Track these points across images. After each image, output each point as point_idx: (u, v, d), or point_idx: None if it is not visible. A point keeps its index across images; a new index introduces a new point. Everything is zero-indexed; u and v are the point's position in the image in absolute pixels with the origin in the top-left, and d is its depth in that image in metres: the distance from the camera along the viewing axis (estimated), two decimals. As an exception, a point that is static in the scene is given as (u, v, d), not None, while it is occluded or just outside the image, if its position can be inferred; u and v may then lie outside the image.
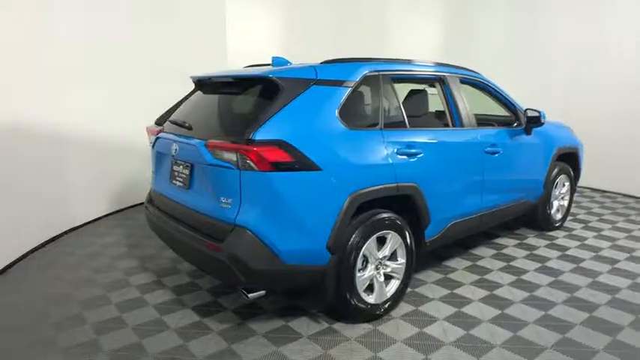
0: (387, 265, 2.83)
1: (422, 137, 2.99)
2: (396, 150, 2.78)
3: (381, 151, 2.71)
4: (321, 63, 2.82)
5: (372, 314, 2.77)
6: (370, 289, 2.78)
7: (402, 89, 3.49)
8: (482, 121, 4.11)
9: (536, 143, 4.00)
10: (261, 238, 2.33)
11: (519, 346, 2.52)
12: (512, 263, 3.70)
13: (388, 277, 2.89)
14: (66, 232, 4.32)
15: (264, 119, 2.35)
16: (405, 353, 2.47)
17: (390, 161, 2.73)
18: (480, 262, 3.71)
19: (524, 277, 3.44)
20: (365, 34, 7.11)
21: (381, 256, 2.79)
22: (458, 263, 3.70)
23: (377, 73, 2.90)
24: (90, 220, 4.68)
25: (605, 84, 6.05)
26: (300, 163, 2.34)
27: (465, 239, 4.16)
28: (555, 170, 4.31)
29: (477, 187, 3.41)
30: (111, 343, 2.55)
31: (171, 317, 2.84)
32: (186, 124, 2.78)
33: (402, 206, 2.92)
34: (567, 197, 4.63)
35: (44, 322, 2.76)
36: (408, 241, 2.90)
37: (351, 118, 2.68)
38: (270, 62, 2.96)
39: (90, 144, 4.47)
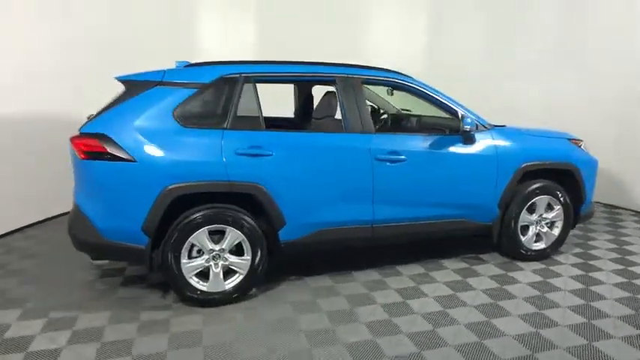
0: (226, 258, 2.98)
1: (275, 139, 3.00)
2: (235, 150, 2.89)
3: (214, 149, 2.86)
4: (185, 66, 3.11)
5: (205, 301, 2.95)
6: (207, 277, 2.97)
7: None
8: (427, 126, 3.76)
9: (479, 154, 3.44)
10: (85, 215, 2.80)
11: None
12: (421, 286, 3.31)
13: (234, 271, 3.02)
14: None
15: (97, 115, 2.81)
16: (193, 337, 2.63)
17: (224, 160, 2.86)
18: (389, 279, 3.42)
19: (409, 301, 3.09)
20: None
21: (217, 249, 2.94)
22: (366, 276, 3.49)
23: (237, 75, 3.03)
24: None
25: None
26: (114, 154, 2.71)
27: (399, 253, 3.85)
28: (529, 189, 3.61)
29: (362, 196, 3.18)
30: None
31: (83, 273, 3.54)
32: (89, 117, 3.39)
33: (255, 205, 3.01)
34: (559, 224, 3.79)
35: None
36: (253, 238, 2.96)
37: (190, 117, 2.91)
38: None
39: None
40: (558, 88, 5.86)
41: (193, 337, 2.64)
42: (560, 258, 3.85)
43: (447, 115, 3.58)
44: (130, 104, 2.84)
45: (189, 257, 2.92)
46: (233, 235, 2.95)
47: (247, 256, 3.00)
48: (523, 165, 3.55)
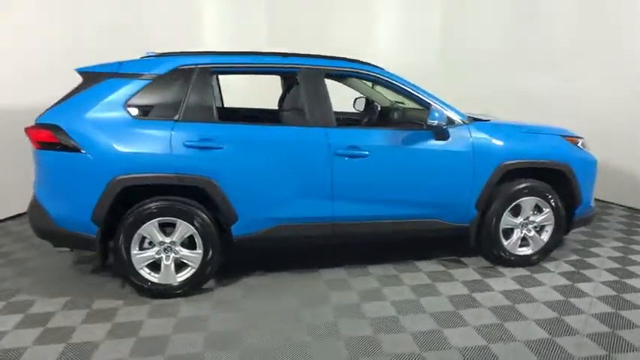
0: (177, 251, 2.96)
1: (226, 132, 2.93)
2: (184, 142, 2.85)
3: (163, 141, 2.84)
4: (148, 56, 3.11)
5: (156, 292, 2.96)
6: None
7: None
8: (417, 120, 3.57)
9: (451, 151, 3.19)
10: (40, 204, 2.87)
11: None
12: (384, 289, 3.15)
13: (186, 264, 3.01)
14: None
15: (52, 106, 2.86)
16: (132, 327, 2.65)
17: (172, 152, 2.83)
18: (355, 280, 3.28)
19: (366, 304, 2.94)
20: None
21: (167, 241, 2.94)
22: (333, 274, 3.37)
23: (193, 67, 2.98)
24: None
25: None
26: (64, 145, 2.76)
27: (377, 252, 3.69)
28: (513, 189, 3.32)
29: (320, 192, 3.05)
30: None
31: (62, 258, 3.67)
32: None
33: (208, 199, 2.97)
34: (549, 228, 3.47)
35: None
36: (205, 232, 2.93)
37: (142, 108, 2.91)
38: None
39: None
40: (580, 84, 5.37)
41: (133, 327, 2.66)
42: (549, 265, 3.53)
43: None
44: (83, 96, 2.88)
45: (141, 248, 2.93)
46: (183, 229, 2.93)
47: (199, 250, 2.98)
48: (503, 163, 3.26)
